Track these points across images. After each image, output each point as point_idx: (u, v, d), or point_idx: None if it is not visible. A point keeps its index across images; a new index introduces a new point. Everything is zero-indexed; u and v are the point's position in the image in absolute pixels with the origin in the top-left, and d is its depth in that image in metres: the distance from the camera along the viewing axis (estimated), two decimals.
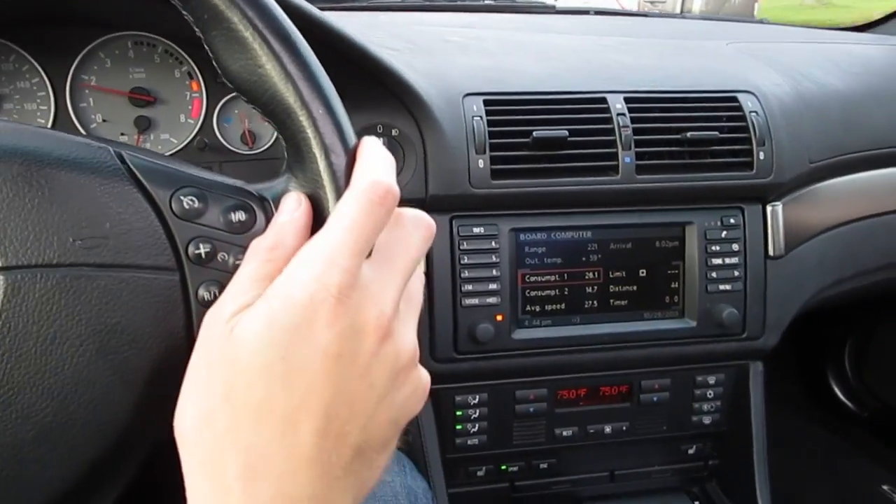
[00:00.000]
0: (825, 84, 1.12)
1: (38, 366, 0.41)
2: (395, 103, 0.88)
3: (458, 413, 0.95)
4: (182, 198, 0.44)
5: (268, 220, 0.46)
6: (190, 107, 0.92)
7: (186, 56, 0.90)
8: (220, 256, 0.45)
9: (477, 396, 0.95)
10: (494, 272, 0.89)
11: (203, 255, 0.44)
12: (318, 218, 0.45)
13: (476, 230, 0.89)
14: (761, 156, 0.95)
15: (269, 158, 0.93)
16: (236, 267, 0.44)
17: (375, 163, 0.43)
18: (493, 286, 0.89)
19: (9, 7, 0.83)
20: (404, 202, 0.77)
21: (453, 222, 0.89)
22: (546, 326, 0.92)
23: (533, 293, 0.92)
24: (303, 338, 0.36)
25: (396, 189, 0.41)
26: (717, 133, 0.94)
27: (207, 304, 0.44)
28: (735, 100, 0.97)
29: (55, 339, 0.41)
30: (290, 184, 0.46)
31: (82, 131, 0.88)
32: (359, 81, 0.86)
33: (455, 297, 0.89)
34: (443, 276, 0.89)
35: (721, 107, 0.97)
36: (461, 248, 0.89)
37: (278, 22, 0.44)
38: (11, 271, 0.41)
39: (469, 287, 0.89)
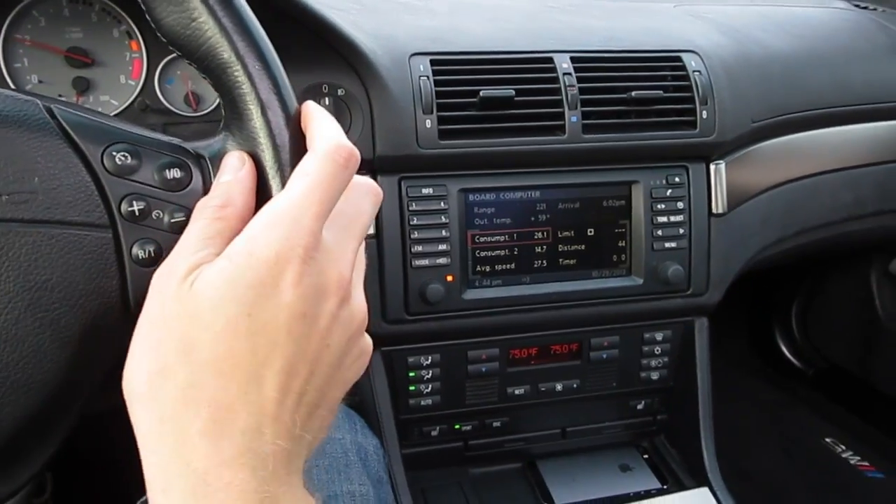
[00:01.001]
0: (768, 45, 1.14)
1: None
2: (341, 63, 0.87)
3: (411, 374, 0.96)
4: (114, 154, 0.43)
5: (204, 178, 0.45)
6: (130, 68, 0.89)
7: (125, 15, 0.88)
8: (154, 214, 0.44)
9: (429, 357, 0.96)
10: (444, 233, 0.90)
11: (136, 213, 0.44)
12: (259, 176, 0.45)
13: (425, 191, 0.89)
14: (704, 114, 0.96)
15: (214, 121, 0.92)
16: (172, 225, 0.44)
17: (332, 125, 0.43)
18: (442, 247, 0.90)
19: None
20: None
21: (402, 183, 0.89)
22: (496, 286, 0.93)
23: (483, 253, 0.92)
24: (267, 296, 0.37)
25: (358, 153, 0.42)
26: (661, 92, 0.95)
27: (142, 263, 0.43)
28: (679, 59, 0.98)
29: None
30: (228, 142, 0.45)
31: None
32: (303, 40, 0.84)
33: (405, 259, 0.89)
34: (392, 237, 0.89)
35: (665, 66, 0.98)
36: (410, 209, 0.89)
37: None
38: None
39: (419, 248, 0.89)
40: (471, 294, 0.92)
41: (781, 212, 1.11)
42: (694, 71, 0.97)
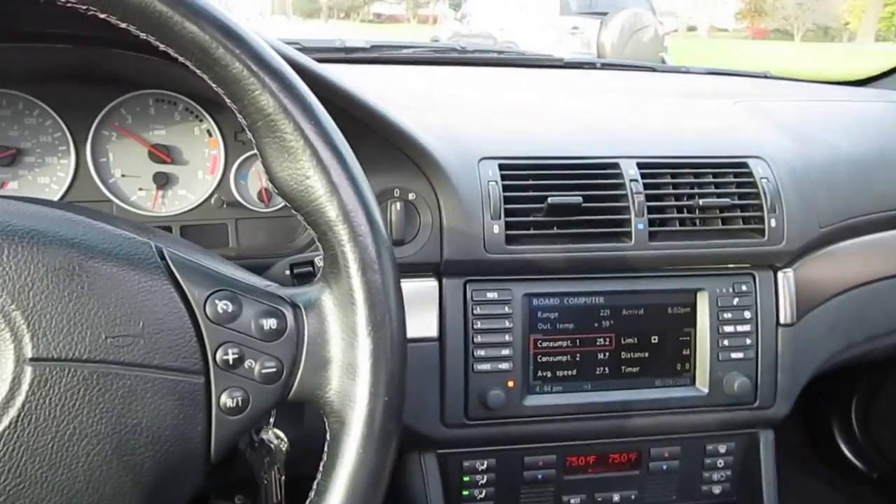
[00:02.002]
0: (832, 145, 1.13)
1: (53, 461, 0.41)
2: (411, 167, 0.89)
3: (465, 478, 0.94)
4: (217, 301, 0.45)
5: (298, 328, 0.46)
6: (208, 164, 0.92)
7: (206, 114, 0.91)
8: (247, 363, 0.45)
9: (485, 462, 0.94)
10: (507, 337, 0.89)
11: (231, 361, 0.45)
12: (349, 332, 0.45)
13: (489, 295, 0.89)
14: (772, 222, 0.95)
15: (285, 216, 0.94)
16: (262, 375, 0.45)
17: None
18: (505, 352, 0.89)
19: (34, 63, 0.84)
20: (418, 266, 0.77)
21: (467, 286, 0.89)
22: (557, 393, 0.92)
23: (545, 359, 0.91)
24: None
25: None
26: (728, 200, 0.94)
27: (228, 411, 0.44)
28: (746, 166, 0.98)
29: (73, 436, 0.41)
30: (324, 294, 0.47)
31: (101, 186, 0.89)
32: (376, 144, 0.86)
33: (467, 363, 0.88)
34: (455, 340, 0.88)
35: (732, 173, 0.98)
36: (474, 312, 0.89)
37: (330, 136, 0.45)
38: (40, 363, 0.41)
39: (481, 352, 0.89)
40: (531, 400, 0.91)
41: (850, 318, 1.08)
42: (761, 178, 0.96)
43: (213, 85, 0.45)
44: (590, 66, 1.70)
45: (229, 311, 0.45)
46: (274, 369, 0.46)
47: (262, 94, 0.44)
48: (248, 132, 0.46)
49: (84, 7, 0.42)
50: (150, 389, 0.43)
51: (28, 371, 0.41)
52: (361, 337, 0.45)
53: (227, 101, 0.45)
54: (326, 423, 0.49)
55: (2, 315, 0.41)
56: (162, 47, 0.44)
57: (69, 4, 0.42)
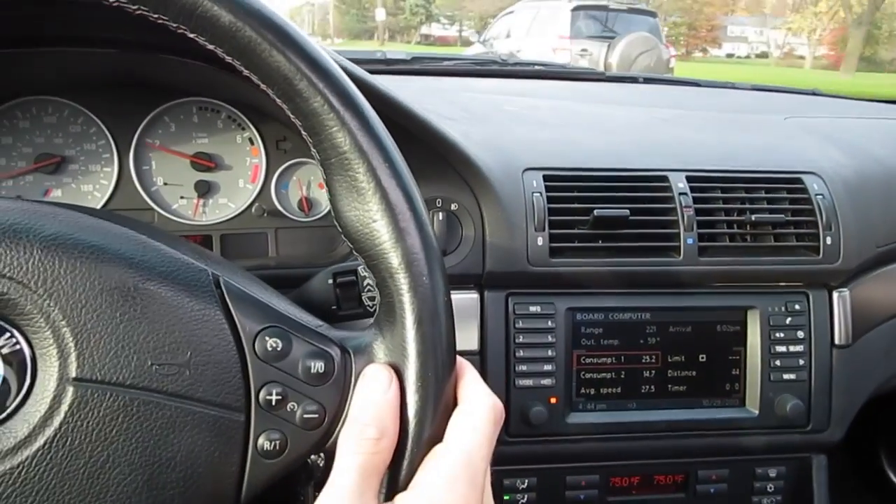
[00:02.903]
0: (888, 163, 1.09)
1: (83, 487, 0.39)
2: (455, 176, 0.87)
3: (506, 497, 0.91)
4: (267, 338, 0.44)
5: (346, 373, 0.45)
6: (249, 172, 0.92)
7: (249, 122, 0.91)
8: (289, 406, 0.44)
9: (526, 481, 0.91)
10: (550, 352, 0.87)
11: (273, 402, 0.43)
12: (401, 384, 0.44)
13: (532, 308, 0.87)
14: (828, 240, 0.92)
15: (325, 226, 0.93)
16: (303, 420, 0.43)
17: (481, 381, 0.46)
18: (547, 367, 0.87)
19: (80, 70, 0.85)
20: (460, 278, 0.74)
21: (509, 299, 0.87)
22: (601, 411, 0.89)
23: (588, 375, 0.89)
24: None
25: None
26: (782, 216, 0.91)
27: (264, 454, 0.43)
28: (800, 181, 0.95)
29: (106, 463, 0.40)
30: (376, 341, 0.45)
31: (143, 194, 0.89)
32: (420, 154, 0.85)
33: (509, 378, 0.86)
34: (496, 355, 0.86)
35: (785, 188, 0.95)
36: (516, 326, 0.86)
37: (403, 181, 0.44)
38: (83, 384, 0.40)
39: (523, 367, 0.86)
40: (574, 418, 0.88)
41: None
42: (816, 194, 0.93)
43: (291, 116, 0.44)
44: (632, 80, 1.68)
45: (278, 349, 0.44)
46: (316, 415, 0.44)
47: (340, 132, 0.43)
48: (319, 167, 0.45)
49: (174, 25, 0.41)
50: (189, 423, 0.41)
51: (70, 391, 0.40)
52: (409, 392, 0.44)
53: (303, 133, 0.45)
54: None
55: (51, 330, 0.40)
56: (245, 73, 0.43)
57: (160, 21, 0.41)
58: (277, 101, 0.44)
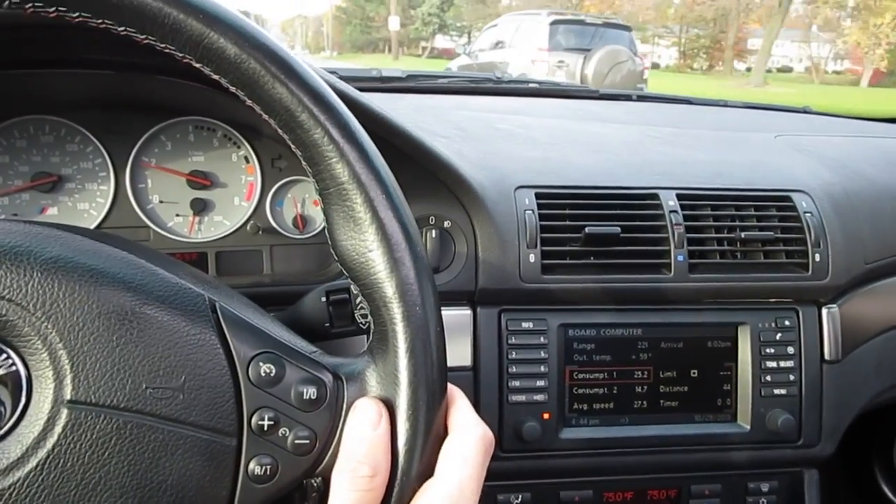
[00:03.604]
0: (877, 181, 1.10)
1: None
2: (447, 194, 0.88)
3: None
4: (261, 364, 0.44)
5: (338, 398, 0.46)
6: (245, 190, 0.93)
7: (244, 140, 0.92)
8: (280, 431, 0.44)
9: (520, 496, 0.91)
10: (542, 368, 0.87)
11: (265, 427, 0.44)
12: (392, 412, 0.45)
13: (525, 325, 0.88)
14: (817, 257, 0.93)
15: (319, 243, 0.94)
16: (294, 446, 0.44)
17: (470, 408, 0.47)
18: (540, 383, 0.87)
19: (77, 89, 0.86)
20: (453, 294, 0.75)
21: (502, 316, 0.88)
22: (594, 426, 0.90)
23: (581, 391, 0.89)
24: None
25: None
26: (771, 233, 0.92)
27: (255, 479, 0.43)
28: (789, 199, 0.96)
29: (98, 486, 0.40)
30: (369, 368, 0.46)
31: (139, 212, 0.89)
32: (413, 172, 0.86)
33: (502, 394, 0.87)
34: (489, 371, 0.87)
35: (775, 206, 0.96)
36: (509, 342, 0.87)
37: (399, 213, 0.45)
38: (77, 407, 0.40)
39: (516, 383, 0.87)
40: (567, 433, 0.89)
41: None
42: (805, 212, 0.94)
43: (293, 146, 0.45)
44: (625, 97, 1.70)
45: (272, 374, 0.45)
46: (307, 440, 0.45)
47: (339, 163, 0.44)
48: (318, 196, 0.46)
49: (180, 56, 0.42)
50: (182, 446, 0.42)
51: (64, 413, 0.40)
52: (400, 421, 0.45)
53: (303, 163, 0.46)
54: None
55: (48, 352, 0.41)
56: (249, 103, 0.44)
57: (166, 50, 0.42)
58: (279, 131, 0.46)
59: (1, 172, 0.87)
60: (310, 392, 0.45)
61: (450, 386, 0.47)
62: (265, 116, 0.45)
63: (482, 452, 0.43)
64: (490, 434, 0.45)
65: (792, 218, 0.94)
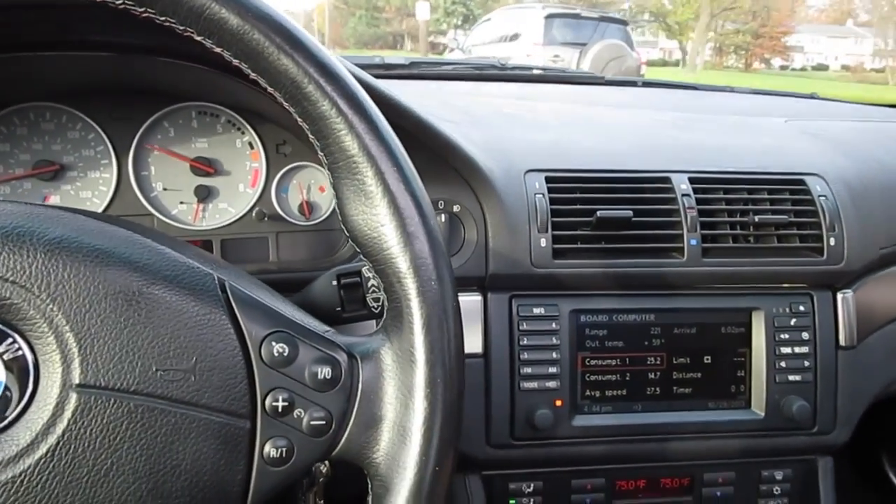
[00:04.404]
0: (890, 166, 1.09)
1: (86, 495, 0.39)
2: (457, 179, 0.87)
3: (511, 501, 0.91)
4: (273, 343, 0.43)
5: (353, 379, 0.45)
6: (249, 177, 0.91)
7: (248, 126, 0.90)
8: (296, 412, 0.43)
9: (532, 485, 0.90)
10: (554, 355, 0.86)
11: (279, 409, 0.43)
12: (406, 386, 0.44)
13: (536, 311, 0.86)
14: (832, 241, 0.91)
15: (326, 230, 0.92)
16: (310, 427, 0.43)
17: None
18: (552, 370, 0.86)
19: (78, 75, 0.84)
20: (463, 280, 0.74)
21: (512, 301, 0.86)
22: (606, 413, 0.88)
23: (593, 377, 0.88)
24: None
25: None
26: (785, 217, 0.91)
27: (270, 462, 0.42)
28: (803, 182, 0.94)
29: (110, 471, 0.39)
30: (384, 346, 0.45)
31: (143, 200, 0.88)
32: (421, 156, 0.84)
33: (513, 381, 0.85)
34: (500, 358, 0.85)
35: (788, 189, 0.94)
36: (520, 328, 0.86)
37: (411, 185, 0.44)
38: (86, 391, 0.39)
39: (528, 370, 0.85)
40: (580, 421, 0.87)
41: None
42: (819, 196, 0.93)
43: (299, 119, 0.44)
44: (631, 83, 1.68)
45: (285, 354, 0.43)
46: (323, 422, 0.44)
47: (348, 136, 0.43)
48: (326, 170, 0.45)
49: (181, 28, 0.41)
50: (195, 430, 0.41)
51: (73, 398, 0.39)
52: (417, 399, 0.43)
53: (311, 136, 0.44)
54: (370, 485, 0.46)
55: (54, 336, 0.39)
56: (252, 76, 0.43)
57: (167, 23, 0.41)
58: (284, 104, 0.44)
59: (2, 161, 0.86)
60: (324, 372, 0.44)
61: None
62: (270, 90, 0.44)
63: None
64: None
65: (806, 202, 0.93)
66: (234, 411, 0.42)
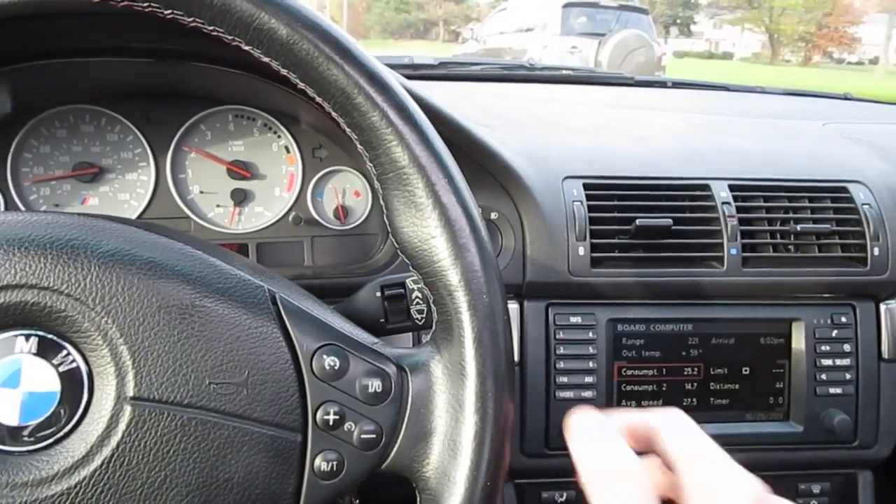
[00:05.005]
0: None
1: None
2: (494, 185, 0.86)
3: None
4: (325, 356, 0.43)
5: (403, 392, 0.44)
6: (286, 181, 0.91)
7: (285, 130, 0.90)
8: (346, 426, 0.43)
9: (564, 494, 0.89)
10: (590, 364, 0.85)
11: (330, 422, 0.43)
12: (456, 401, 0.44)
13: (573, 319, 0.85)
14: (875, 251, 0.90)
15: (361, 234, 0.92)
16: (361, 441, 0.43)
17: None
18: (588, 379, 0.85)
19: (117, 79, 0.84)
20: None
21: (549, 310, 0.85)
22: None
23: (629, 388, 0.87)
24: None
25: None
26: (827, 226, 0.89)
27: (321, 475, 0.42)
28: (846, 190, 0.93)
29: (163, 484, 0.39)
30: (433, 359, 0.45)
31: (180, 203, 0.88)
32: (457, 161, 0.84)
33: (549, 390, 0.85)
34: (536, 366, 0.85)
35: (830, 197, 0.92)
36: (557, 337, 0.85)
37: (462, 197, 0.43)
38: (140, 403, 0.39)
39: (564, 379, 0.85)
40: None
41: None
42: (863, 204, 0.91)
43: (347, 129, 0.43)
44: (661, 84, 1.66)
45: (336, 367, 0.43)
46: (373, 435, 0.43)
47: (398, 147, 0.43)
48: (375, 182, 0.45)
49: (230, 38, 0.41)
50: (247, 443, 0.40)
51: (127, 410, 0.39)
52: (468, 413, 0.43)
53: (359, 147, 0.44)
54: (419, 499, 0.46)
55: (109, 348, 0.40)
56: (301, 86, 0.43)
57: (214, 33, 0.41)
58: (333, 114, 0.44)
59: (42, 163, 0.86)
60: (375, 385, 0.43)
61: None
62: (318, 100, 0.43)
63: None
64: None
65: (849, 210, 0.91)
66: (285, 425, 0.42)
